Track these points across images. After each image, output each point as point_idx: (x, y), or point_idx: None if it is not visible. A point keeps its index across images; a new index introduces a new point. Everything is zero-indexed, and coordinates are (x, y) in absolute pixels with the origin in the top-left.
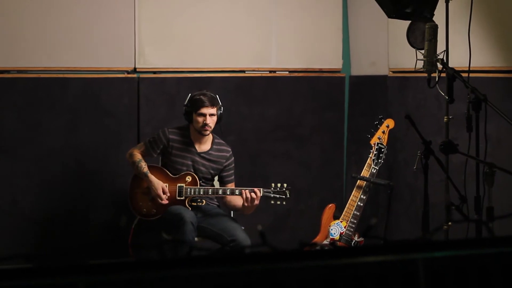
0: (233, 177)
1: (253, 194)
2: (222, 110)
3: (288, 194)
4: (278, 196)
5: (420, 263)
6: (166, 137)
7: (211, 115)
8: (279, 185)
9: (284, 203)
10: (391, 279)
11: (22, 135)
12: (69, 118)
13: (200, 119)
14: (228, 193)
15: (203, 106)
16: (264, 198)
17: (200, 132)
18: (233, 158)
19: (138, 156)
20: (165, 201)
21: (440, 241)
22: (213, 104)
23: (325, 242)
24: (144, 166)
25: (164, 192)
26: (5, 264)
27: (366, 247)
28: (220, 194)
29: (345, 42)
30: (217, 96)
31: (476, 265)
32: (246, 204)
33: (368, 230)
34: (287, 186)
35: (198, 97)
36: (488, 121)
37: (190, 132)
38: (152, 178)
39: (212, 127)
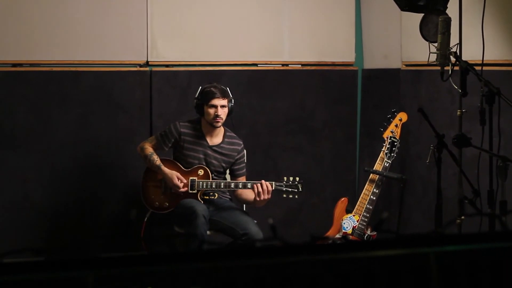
0: (244, 170)
1: (265, 188)
2: (233, 102)
3: (300, 188)
4: (290, 189)
5: (432, 257)
6: (178, 130)
7: (222, 106)
8: (291, 178)
9: (296, 196)
10: (403, 273)
11: (34, 128)
12: (81, 111)
13: (212, 110)
14: (240, 186)
15: (214, 97)
16: (276, 192)
17: (212, 124)
18: (244, 151)
19: (150, 149)
20: (184, 189)
21: (451, 235)
22: (224, 95)
23: (338, 236)
24: (156, 159)
25: (180, 181)
26: (17, 258)
27: (377, 241)
28: (232, 188)
29: (357, 35)
30: (228, 89)
31: (488, 259)
32: (258, 198)
33: (380, 224)
34: (299, 179)
35: (209, 89)
36: (501, 115)
37: (202, 125)
38: (166, 169)
39: (224, 118)
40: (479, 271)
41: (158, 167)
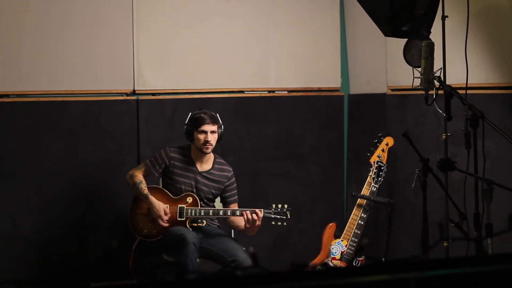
0: (236, 197)
1: (254, 215)
2: (223, 128)
3: (288, 215)
4: (279, 217)
5: (412, 282)
6: (168, 155)
7: (212, 132)
8: (279, 205)
9: (284, 223)
10: None
11: (22, 158)
12: (69, 141)
13: (201, 136)
14: (229, 214)
15: (204, 123)
16: (264, 219)
17: (201, 150)
18: (234, 178)
19: (139, 177)
20: (166, 224)
21: (431, 260)
22: (214, 121)
23: (326, 261)
24: (144, 187)
25: (165, 214)
26: None
27: (357, 267)
28: (221, 215)
29: (343, 61)
30: (218, 115)
31: (469, 283)
32: (247, 226)
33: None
34: (287, 207)
35: (198, 115)
36: (486, 138)
37: (191, 152)
38: (153, 199)
39: (214, 144)
40: None
41: (146, 196)
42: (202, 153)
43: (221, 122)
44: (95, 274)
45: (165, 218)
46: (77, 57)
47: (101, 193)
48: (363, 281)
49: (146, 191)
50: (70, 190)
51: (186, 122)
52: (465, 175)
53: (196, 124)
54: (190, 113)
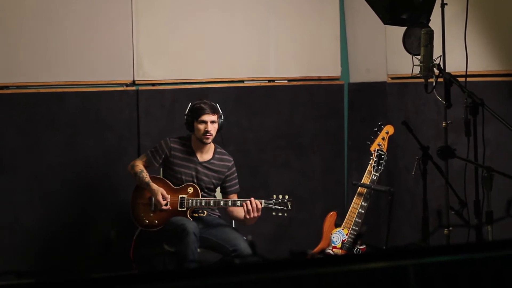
0: (236, 187)
1: (254, 206)
2: (223, 118)
3: (289, 206)
4: (279, 207)
5: (411, 269)
6: (168, 146)
7: (212, 122)
8: (280, 196)
9: (285, 214)
10: (382, 286)
11: (22, 150)
12: (68, 132)
13: (202, 126)
14: (229, 204)
15: (204, 113)
16: (265, 210)
17: (202, 140)
18: (235, 168)
19: (140, 166)
20: (166, 207)
21: (430, 247)
22: (214, 111)
23: (328, 250)
24: (146, 176)
25: (164, 198)
26: (3, 281)
27: (355, 255)
28: (221, 206)
29: (343, 50)
30: (218, 105)
31: (467, 270)
32: (247, 216)
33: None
34: (288, 197)
35: (198, 105)
36: (486, 125)
37: (192, 142)
38: (153, 185)
39: (214, 134)
40: (458, 283)
41: (147, 184)
42: (203, 143)
43: (221, 112)
44: (96, 264)
45: (164, 202)
46: (77, 48)
47: (101, 184)
48: (362, 269)
49: (147, 179)
50: (70, 181)
51: (186, 112)
52: (465, 163)
53: (196, 114)
54: (190, 103)
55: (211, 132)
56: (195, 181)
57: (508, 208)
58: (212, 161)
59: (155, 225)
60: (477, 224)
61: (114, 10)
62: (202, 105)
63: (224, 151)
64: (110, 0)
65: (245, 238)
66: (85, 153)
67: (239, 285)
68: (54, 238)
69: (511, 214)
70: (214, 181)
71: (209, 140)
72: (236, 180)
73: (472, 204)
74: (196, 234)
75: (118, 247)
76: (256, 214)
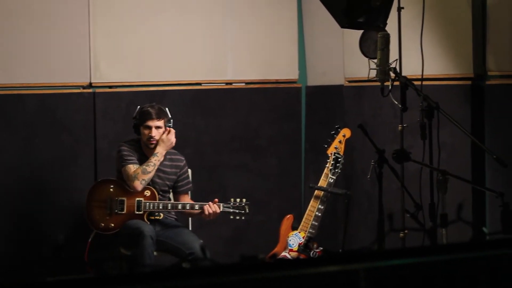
0: (188, 186)
1: (212, 211)
2: (171, 123)
3: (247, 209)
4: (237, 211)
5: (362, 273)
6: (129, 149)
7: (157, 127)
8: (238, 200)
9: (243, 218)
10: None
11: None
12: (25, 134)
13: (146, 131)
14: (187, 208)
15: (148, 118)
16: (223, 213)
17: (146, 145)
18: (187, 167)
19: (137, 169)
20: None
21: (380, 251)
22: (159, 117)
23: (284, 253)
24: (150, 161)
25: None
26: None
27: (307, 259)
28: (179, 209)
29: (301, 53)
30: (167, 109)
31: (420, 273)
32: (206, 218)
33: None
34: (246, 201)
35: (145, 109)
36: (441, 129)
37: (142, 145)
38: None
39: (158, 139)
40: (409, 286)
41: (155, 155)
42: (147, 148)
43: (170, 116)
44: (51, 268)
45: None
46: (33, 49)
47: (57, 186)
48: (312, 273)
49: (152, 156)
50: (26, 183)
51: (134, 115)
52: (421, 166)
53: (142, 119)
54: (139, 107)
55: (155, 137)
56: (150, 184)
57: (464, 211)
58: (164, 162)
59: (111, 228)
60: (432, 227)
61: (71, 11)
62: (149, 109)
63: (175, 151)
64: (67, 1)
65: (202, 241)
66: (41, 155)
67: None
68: (7, 240)
69: (463, 217)
70: (167, 182)
71: (152, 146)
72: (189, 179)
73: (427, 207)
74: (152, 237)
75: (71, 250)
76: (213, 217)
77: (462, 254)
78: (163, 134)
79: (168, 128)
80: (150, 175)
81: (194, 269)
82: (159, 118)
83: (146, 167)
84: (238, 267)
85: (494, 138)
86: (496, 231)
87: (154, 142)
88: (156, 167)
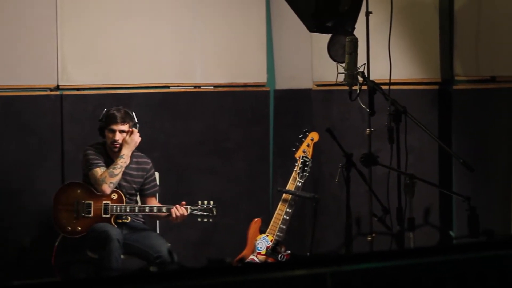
0: (155, 189)
1: (179, 214)
2: (137, 127)
3: (214, 212)
4: (205, 213)
5: (328, 277)
6: (95, 153)
7: (121, 131)
8: (205, 202)
9: (210, 220)
10: None
11: None
12: None
13: (110, 135)
14: (155, 211)
15: (113, 122)
16: (191, 216)
17: (110, 148)
18: (153, 169)
19: (104, 173)
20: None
21: (348, 255)
22: (124, 120)
23: (252, 256)
24: (117, 163)
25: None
26: None
27: (274, 263)
28: (146, 212)
29: (269, 56)
30: (134, 113)
31: (385, 277)
32: (173, 221)
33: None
34: (213, 203)
35: (111, 113)
36: (409, 133)
37: (107, 148)
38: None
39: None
40: None
41: (122, 156)
42: (111, 151)
43: (136, 120)
44: (17, 271)
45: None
46: (0, 51)
47: (23, 189)
48: (279, 277)
49: (118, 159)
50: None
51: (100, 118)
52: (389, 170)
53: (106, 122)
54: (105, 110)
55: (118, 141)
56: (117, 187)
57: (431, 215)
58: (130, 165)
59: (78, 231)
60: (399, 231)
61: (38, 13)
62: (114, 112)
63: (142, 154)
64: (34, 3)
65: (169, 244)
66: (7, 157)
67: None
68: None
69: (430, 221)
70: (134, 185)
71: (116, 150)
72: (155, 182)
73: (394, 211)
74: (119, 240)
75: (37, 253)
76: (180, 220)
77: (429, 258)
78: (126, 136)
79: (130, 129)
80: (118, 178)
81: (162, 273)
82: (123, 122)
83: (113, 170)
84: (205, 271)
85: (461, 142)
86: (463, 235)
87: (117, 146)
88: (123, 169)
